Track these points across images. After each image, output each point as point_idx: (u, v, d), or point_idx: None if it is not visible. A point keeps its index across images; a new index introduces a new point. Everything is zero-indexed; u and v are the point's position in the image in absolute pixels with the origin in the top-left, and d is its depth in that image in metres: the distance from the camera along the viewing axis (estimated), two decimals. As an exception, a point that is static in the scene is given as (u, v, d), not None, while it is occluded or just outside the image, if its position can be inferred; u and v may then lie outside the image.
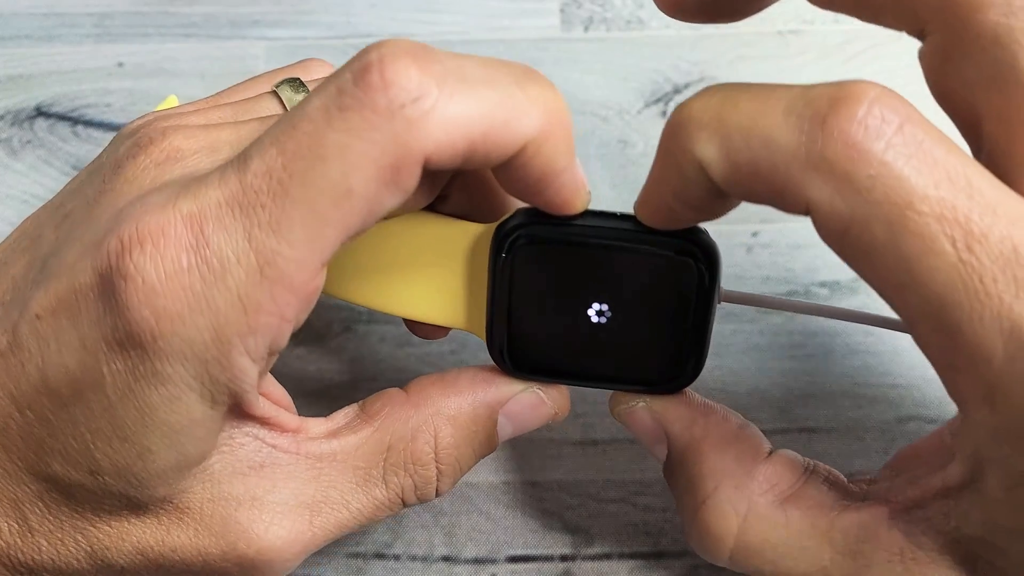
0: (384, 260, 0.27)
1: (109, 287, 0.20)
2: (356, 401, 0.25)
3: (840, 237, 0.19)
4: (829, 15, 0.38)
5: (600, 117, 0.34)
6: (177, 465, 0.21)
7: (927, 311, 0.19)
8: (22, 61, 0.36)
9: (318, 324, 0.33)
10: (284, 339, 0.21)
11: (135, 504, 0.22)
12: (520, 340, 0.25)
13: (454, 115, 0.20)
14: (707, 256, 0.23)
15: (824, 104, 0.19)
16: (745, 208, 0.22)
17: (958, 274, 0.18)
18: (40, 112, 0.35)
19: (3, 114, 0.35)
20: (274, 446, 0.23)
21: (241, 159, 0.20)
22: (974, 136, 0.22)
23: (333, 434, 0.24)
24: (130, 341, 0.20)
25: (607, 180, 0.33)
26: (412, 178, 0.20)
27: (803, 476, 0.24)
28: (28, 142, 0.35)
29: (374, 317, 0.33)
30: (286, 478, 0.23)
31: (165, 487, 0.22)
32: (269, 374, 0.25)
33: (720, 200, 0.21)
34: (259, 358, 0.21)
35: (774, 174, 0.20)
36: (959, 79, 0.21)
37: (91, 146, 0.36)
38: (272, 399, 0.23)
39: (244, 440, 0.23)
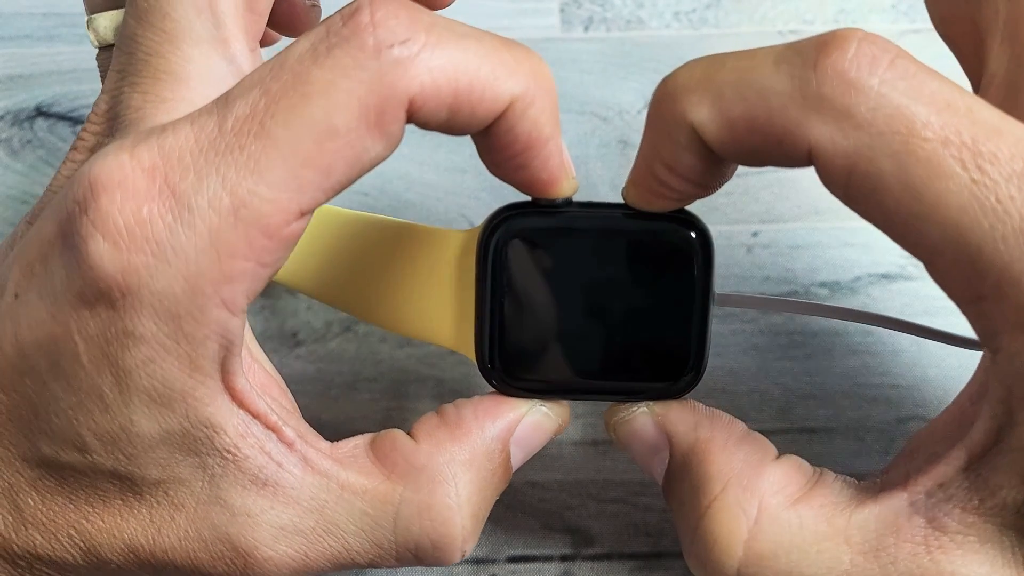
0: (370, 271, 0.27)
1: (71, 248, 0.19)
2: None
3: (846, 177, 0.19)
4: (829, 15, 0.38)
5: (600, 117, 0.34)
6: (164, 439, 0.21)
7: (944, 239, 0.19)
8: (22, 61, 0.36)
9: (318, 324, 0.33)
10: (261, 285, 0.20)
11: (128, 487, 0.21)
12: (513, 349, 0.24)
13: (441, 61, 0.20)
14: (701, 232, 0.23)
15: (813, 49, 0.19)
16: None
17: (972, 195, 0.18)
18: (40, 112, 0.35)
19: (3, 114, 0.35)
20: (280, 464, 0.22)
21: (222, 103, 0.20)
22: (975, 68, 0.22)
23: (341, 466, 0.23)
24: (98, 300, 0.19)
25: (607, 180, 0.33)
26: (396, 123, 0.20)
27: (814, 477, 0.23)
28: (28, 142, 0.35)
29: (374, 317, 0.33)
30: (287, 502, 0.22)
31: (157, 468, 0.21)
32: (279, 378, 0.24)
33: (714, 167, 0.21)
34: (238, 310, 0.20)
35: (771, 123, 0.20)
36: None
37: (91, 146, 0.36)
38: (271, 395, 0.23)
39: (250, 452, 0.21)
